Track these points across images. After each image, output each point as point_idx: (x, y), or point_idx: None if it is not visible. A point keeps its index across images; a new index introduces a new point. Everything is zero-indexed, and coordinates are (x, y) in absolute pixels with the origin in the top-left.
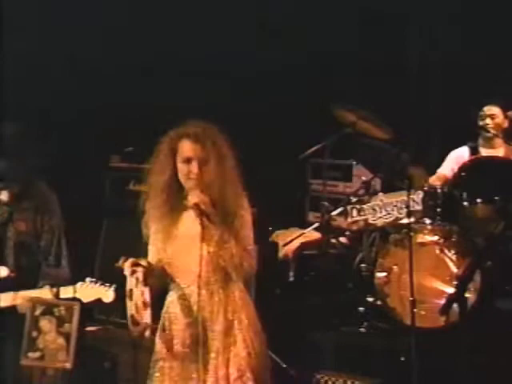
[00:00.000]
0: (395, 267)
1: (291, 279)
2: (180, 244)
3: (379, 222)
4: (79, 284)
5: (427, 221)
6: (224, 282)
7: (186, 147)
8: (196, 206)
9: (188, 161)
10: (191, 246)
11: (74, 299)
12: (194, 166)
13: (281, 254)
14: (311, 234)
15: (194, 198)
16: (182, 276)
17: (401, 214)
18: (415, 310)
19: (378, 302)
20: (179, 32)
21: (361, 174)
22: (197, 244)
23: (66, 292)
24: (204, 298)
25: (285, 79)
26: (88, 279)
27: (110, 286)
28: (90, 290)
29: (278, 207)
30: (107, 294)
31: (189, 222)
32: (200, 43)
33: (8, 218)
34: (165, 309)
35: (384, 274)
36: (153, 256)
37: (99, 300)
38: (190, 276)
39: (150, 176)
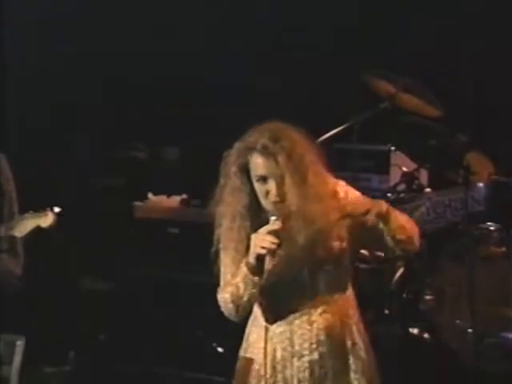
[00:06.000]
0: (450, 288)
1: None
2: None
3: (427, 228)
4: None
5: (493, 226)
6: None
7: (258, 164)
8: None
9: (263, 179)
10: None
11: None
12: (272, 186)
13: None
14: None
15: (274, 228)
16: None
17: (456, 216)
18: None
19: (426, 335)
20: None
21: (401, 163)
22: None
23: None
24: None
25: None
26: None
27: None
28: (24, 223)
29: None
30: (45, 219)
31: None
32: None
33: None
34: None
35: (434, 297)
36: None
37: (39, 228)
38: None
39: (222, 203)
